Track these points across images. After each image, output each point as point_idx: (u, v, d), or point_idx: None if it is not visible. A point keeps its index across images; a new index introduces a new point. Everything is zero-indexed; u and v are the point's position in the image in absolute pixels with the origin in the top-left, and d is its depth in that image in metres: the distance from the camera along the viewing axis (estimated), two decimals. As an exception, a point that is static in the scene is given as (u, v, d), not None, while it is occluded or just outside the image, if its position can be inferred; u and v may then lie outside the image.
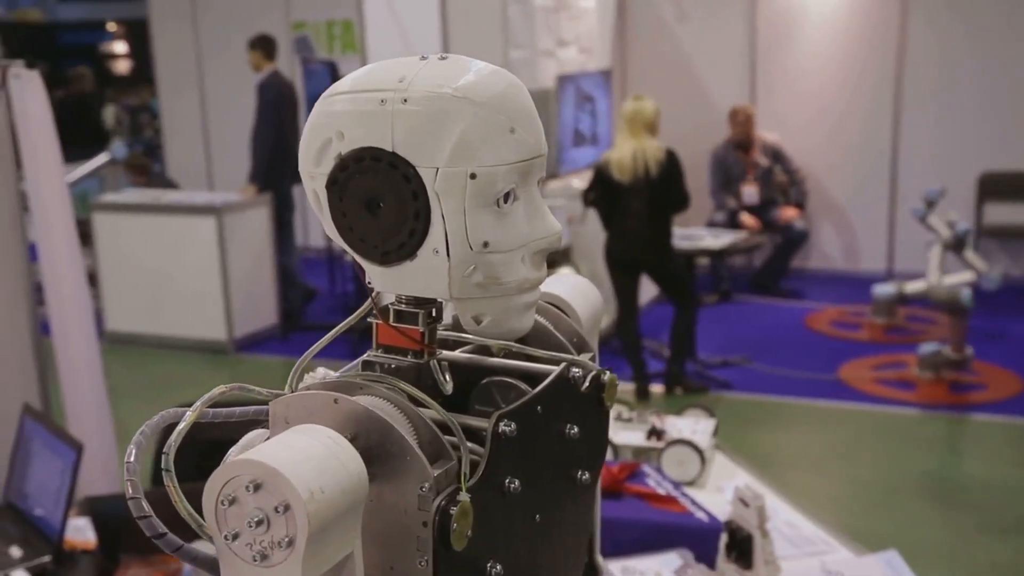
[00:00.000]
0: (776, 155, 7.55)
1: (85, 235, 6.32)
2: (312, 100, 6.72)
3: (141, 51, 11.31)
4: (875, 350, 6.27)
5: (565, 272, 1.35)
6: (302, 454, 0.78)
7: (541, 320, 1.18)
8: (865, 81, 7.72)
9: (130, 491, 0.82)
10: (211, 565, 0.83)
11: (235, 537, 0.77)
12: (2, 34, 13.69)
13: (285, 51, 8.22)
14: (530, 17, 6.75)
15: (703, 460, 2.45)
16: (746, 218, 7.24)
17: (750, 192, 7.43)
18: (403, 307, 1.01)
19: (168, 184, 8.07)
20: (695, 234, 6.54)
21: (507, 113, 0.93)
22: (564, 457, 1.09)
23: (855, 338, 6.55)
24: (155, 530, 0.83)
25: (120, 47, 14.90)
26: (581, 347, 1.19)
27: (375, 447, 0.87)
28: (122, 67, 14.81)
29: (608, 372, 1.16)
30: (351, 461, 0.82)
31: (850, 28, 7.75)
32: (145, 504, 0.82)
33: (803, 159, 7.70)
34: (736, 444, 5.15)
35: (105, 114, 10.60)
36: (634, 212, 5.41)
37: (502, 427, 0.94)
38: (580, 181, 6.47)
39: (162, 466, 0.81)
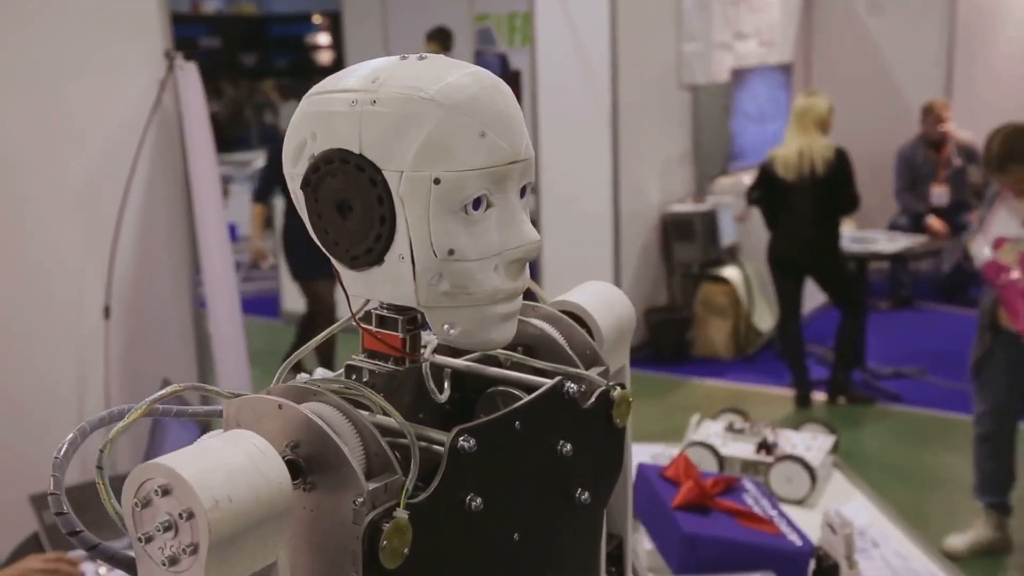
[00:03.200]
0: (970, 154, 7.06)
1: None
2: (484, 92, 6.80)
3: (340, 43, 11.77)
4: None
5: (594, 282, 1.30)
6: (215, 461, 0.78)
7: (550, 331, 1.14)
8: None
9: (51, 486, 0.84)
10: (128, 565, 0.84)
11: (148, 540, 0.77)
12: (221, 26, 14.57)
13: (468, 43, 8.37)
14: (707, 9, 6.60)
15: (813, 479, 2.33)
16: (933, 221, 6.80)
17: (939, 193, 6.98)
18: (385, 312, 1.00)
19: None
20: (868, 237, 6.22)
21: (478, 116, 0.89)
22: (555, 475, 1.05)
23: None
24: (71, 527, 0.84)
25: (323, 39, 15.55)
26: (594, 361, 1.15)
27: (316, 456, 0.86)
28: (325, 58, 15.45)
29: (619, 388, 1.11)
30: (273, 471, 0.80)
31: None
32: (64, 501, 0.84)
33: (1001, 160, 7.16)
34: (896, 461, 4.90)
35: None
36: (799, 212, 5.20)
37: (460, 442, 0.91)
38: (750, 179, 6.28)
39: (96, 463, 0.82)
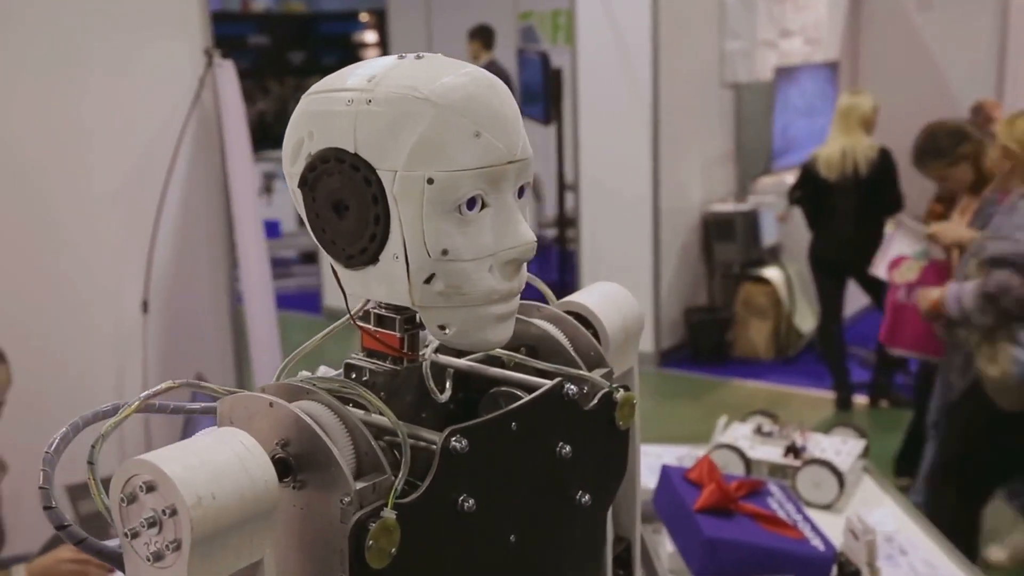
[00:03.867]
0: (1021, 156, 6.92)
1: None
2: (526, 90, 6.81)
3: (386, 40, 11.83)
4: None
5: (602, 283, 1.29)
6: (200, 458, 0.78)
7: (554, 332, 1.14)
8: None
9: (41, 480, 0.85)
10: (116, 559, 0.85)
11: (135, 535, 0.77)
12: (270, 24, 14.70)
13: (512, 41, 8.37)
14: (751, 7, 6.53)
15: (842, 484, 2.29)
16: (981, 223, 6.68)
17: (988, 195, 6.85)
18: (383, 312, 1.00)
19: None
20: (913, 238, 6.13)
21: (472, 116, 0.89)
22: (554, 477, 1.04)
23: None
24: (59, 521, 0.85)
25: (371, 36, 15.64)
26: (598, 362, 1.14)
27: (306, 454, 0.86)
28: (371, 56, 15.53)
29: (622, 390, 1.10)
30: (258, 469, 0.80)
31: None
32: (52, 495, 0.85)
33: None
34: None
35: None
36: (841, 212, 5.14)
37: (452, 443, 0.91)
38: (793, 178, 6.21)
39: (87, 459, 0.83)
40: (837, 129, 5.19)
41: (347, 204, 0.91)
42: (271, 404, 0.88)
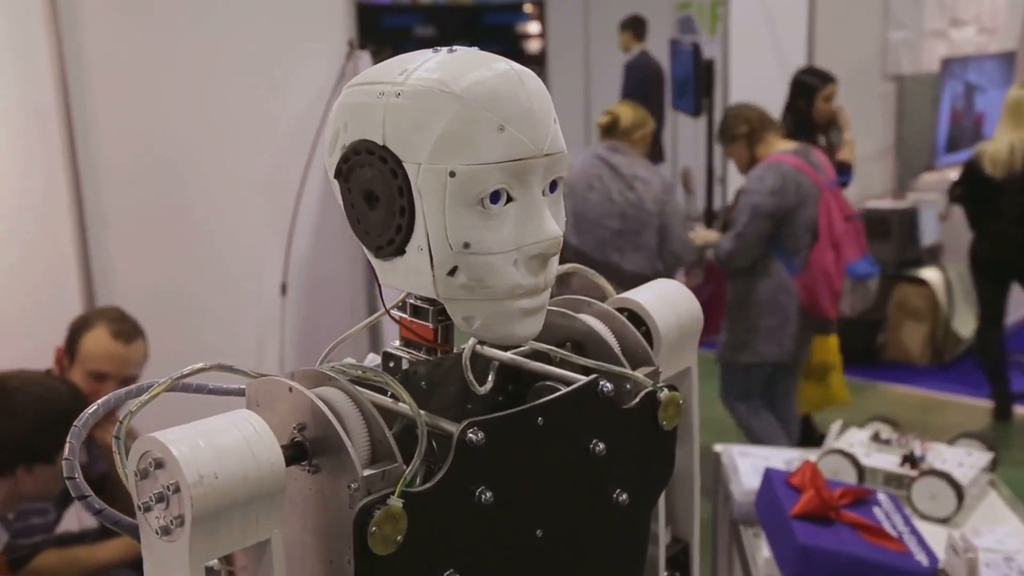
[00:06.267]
0: None
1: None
2: (677, 81, 6.71)
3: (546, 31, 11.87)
4: None
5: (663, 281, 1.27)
6: (207, 439, 0.81)
7: (599, 328, 1.13)
8: None
9: (66, 452, 0.90)
10: (132, 530, 0.89)
11: (147, 509, 0.81)
12: (436, 16, 15.01)
13: (667, 32, 8.25)
14: (919, -6, 6.23)
15: (960, 497, 2.18)
16: None
17: None
18: (418, 303, 1.02)
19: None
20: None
21: (497, 111, 0.89)
22: (588, 474, 1.04)
23: None
24: (80, 491, 0.89)
25: (533, 27, 15.73)
26: (644, 361, 1.12)
27: (320, 439, 0.89)
28: (534, 47, 15.63)
29: (667, 390, 1.09)
30: (265, 452, 0.83)
31: None
32: (76, 467, 0.90)
33: None
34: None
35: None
36: (1006, 212, 4.85)
37: (468, 435, 0.92)
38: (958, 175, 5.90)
39: (114, 433, 0.88)
40: (1005, 124, 4.89)
41: (377, 196, 0.93)
42: (291, 389, 0.91)
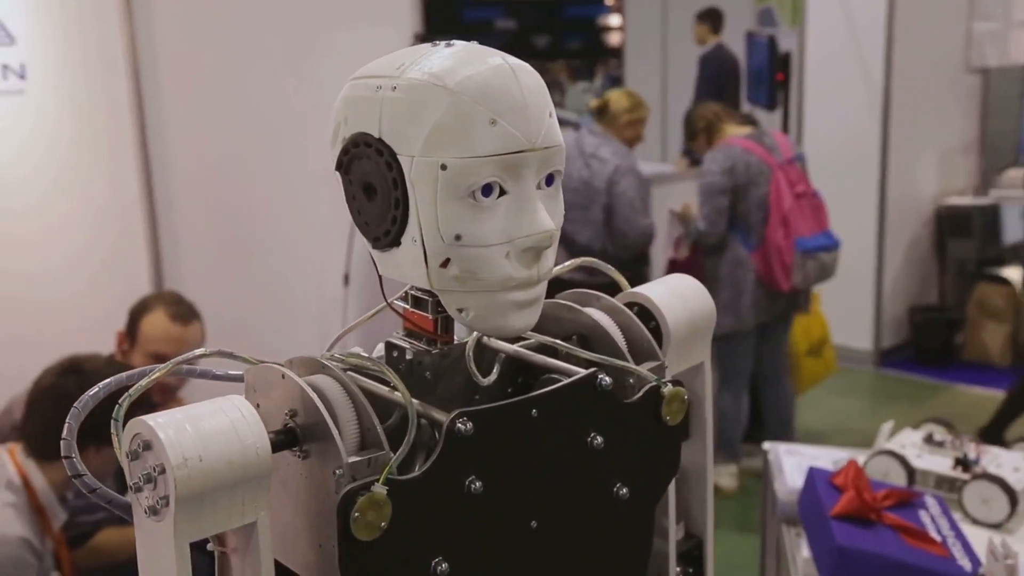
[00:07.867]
0: None
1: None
2: (753, 74, 6.61)
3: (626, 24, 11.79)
4: None
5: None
6: (193, 422, 0.83)
7: (605, 321, 1.13)
8: None
9: (64, 432, 0.93)
10: (124, 509, 0.93)
11: (138, 489, 0.84)
12: (517, 9, 15.03)
13: (746, 24, 8.13)
14: (1010, -17, 6.03)
15: (1014, 503, 2.12)
16: None
17: None
18: (418, 294, 1.03)
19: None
20: None
21: (489, 104, 0.90)
22: (585, 467, 1.04)
23: None
24: (75, 470, 0.92)
25: (614, 20, 15.64)
26: (649, 355, 1.12)
27: (310, 426, 0.91)
28: (614, 40, 15.56)
29: (671, 385, 1.08)
30: (251, 436, 0.85)
31: None
32: (73, 447, 0.93)
33: None
34: None
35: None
36: (1091, 210, 4.68)
37: (457, 425, 0.93)
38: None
39: (112, 415, 0.91)
40: (1091, 118, 4.72)
41: (375, 187, 0.95)
42: (283, 376, 0.93)
